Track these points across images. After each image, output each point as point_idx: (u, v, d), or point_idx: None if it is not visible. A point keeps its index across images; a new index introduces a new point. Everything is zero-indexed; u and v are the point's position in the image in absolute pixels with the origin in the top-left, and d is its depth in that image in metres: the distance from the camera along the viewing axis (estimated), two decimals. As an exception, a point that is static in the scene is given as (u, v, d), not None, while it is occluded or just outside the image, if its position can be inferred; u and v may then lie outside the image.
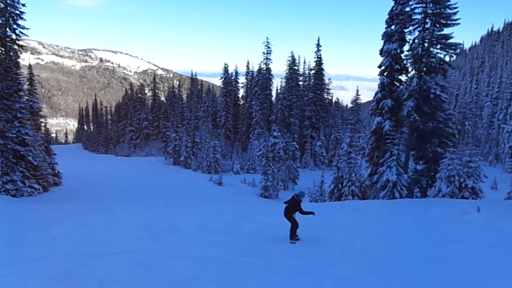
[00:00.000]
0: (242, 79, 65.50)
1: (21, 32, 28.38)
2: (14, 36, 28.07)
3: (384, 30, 23.61)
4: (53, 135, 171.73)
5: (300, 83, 60.33)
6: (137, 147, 72.62)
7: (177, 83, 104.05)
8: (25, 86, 33.22)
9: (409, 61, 22.51)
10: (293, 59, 57.62)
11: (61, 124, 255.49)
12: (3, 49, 27.25)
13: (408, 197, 20.56)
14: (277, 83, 62.03)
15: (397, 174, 20.12)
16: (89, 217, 16.75)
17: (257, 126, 53.94)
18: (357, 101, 54.69)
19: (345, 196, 24.16)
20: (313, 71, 57.61)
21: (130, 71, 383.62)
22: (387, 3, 23.95)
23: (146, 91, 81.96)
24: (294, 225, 10.39)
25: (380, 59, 23.96)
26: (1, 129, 26.02)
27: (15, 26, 27.92)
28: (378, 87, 23.85)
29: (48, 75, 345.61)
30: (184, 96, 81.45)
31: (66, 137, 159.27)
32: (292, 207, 10.27)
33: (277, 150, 36.88)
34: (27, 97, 32.01)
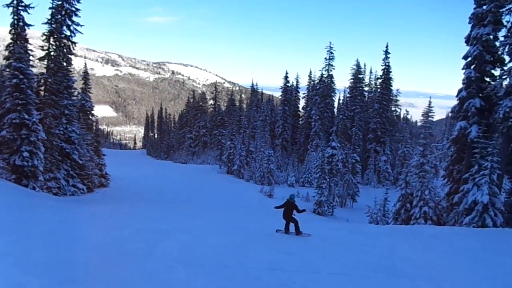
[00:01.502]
0: (303, 90, 62.59)
1: (75, 29, 28.08)
2: (68, 33, 27.85)
3: (472, 11, 18.77)
4: (126, 141, 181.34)
5: (365, 93, 55.90)
6: (195, 154, 72.27)
7: (239, 93, 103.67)
8: (79, 85, 33.27)
9: (506, 49, 17.59)
10: (358, 67, 53.47)
11: (133, 131, 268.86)
12: (56, 43, 27.05)
13: (508, 226, 15.87)
14: (339, 94, 58.20)
15: (490, 194, 15.61)
16: (105, 220, 14.92)
17: (315, 137, 50.41)
18: (429, 114, 48.95)
19: (415, 219, 19.84)
20: (380, 80, 52.93)
21: (199, 84, 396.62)
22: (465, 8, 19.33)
23: (207, 100, 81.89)
24: (297, 223, 12.19)
25: (465, 49, 19.39)
26: (48, 125, 25.42)
27: (69, 23, 27.67)
28: (463, 83, 19.34)
29: (125, 85, 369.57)
30: (244, 106, 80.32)
31: (135, 143, 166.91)
32: (290, 209, 12.08)
33: (335, 162, 33.18)
34: (79, 95, 31.87)
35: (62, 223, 13.64)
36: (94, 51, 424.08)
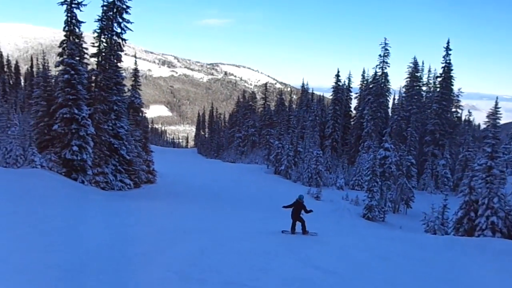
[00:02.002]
0: (356, 90, 60.05)
1: (126, 26, 28.46)
2: (118, 30, 28.29)
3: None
4: (179, 140, 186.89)
5: (423, 93, 52.45)
6: (243, 153, 72.09)
7: (290, 94, 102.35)
8: (129, 82, 33.90)
9: None
10: (415, 65, 50.25)
11: (187, 130, 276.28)
12: (107, 40, 27.58)
13: None
14: (394, 93, 55.09)
15: None
16: (132, 217, 14.54)
17: (367, 138, 48.02)
18: (497, 115, 44.72)
19: (481, 231, 17.57)
20: (439, 79, 49.33)
21: (251, 84, 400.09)
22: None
23: (257, 99, 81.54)
24: (304, 223, 12.49)
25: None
26: (97, 120, 25.91)
27: (120, 20, 28.08)
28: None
29: (180, 86, 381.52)
30: (294, 106, 79.00)
31: (187, 142, 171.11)
32: (298, 209, 12.31)
33: (387, 164, 31.03)
34: (128, 92, 32.41)
35: (74, 219, 13.23)
36: (151, 53, 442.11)
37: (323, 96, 75.72)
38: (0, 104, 44.90)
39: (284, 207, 12.97)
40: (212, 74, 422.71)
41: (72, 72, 23.55)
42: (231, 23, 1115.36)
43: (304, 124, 60.97)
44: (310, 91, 75.39)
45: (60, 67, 23.90)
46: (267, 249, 10.29)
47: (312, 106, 63.31)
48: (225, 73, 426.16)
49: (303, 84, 76.58)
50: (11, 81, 62.91)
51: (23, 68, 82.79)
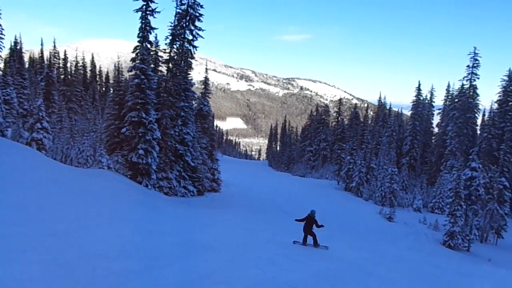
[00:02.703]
0: (438, 107, 55.15)
1: (197, 34, 28.76)
2: (190, 37, 28.65)
3: None
4: (253, 152, 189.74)
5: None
6: (314, 168, 69.94)
7: (366, 109, 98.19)
8: (198, 91, 34.23)
9: None
10: (510, 78, 44.57)
11: (260, 143, 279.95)
12: (178, 47, 28.04)
13: None
14: (483, 110, 49.50)
15: None
16: (165, 225, 13.90)
17: (451, 157, 43.37)
18: None
19: None
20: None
21: (326, 99, 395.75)
22: None
23: (330, 113, 79.04)
24: (315, 237, 12.85)
25: None
26: (164, 125, 26.20)
27: (192, 27, 28.43)
28: None
29: (256, 100, 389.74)
30: (369, 122, 75.31)
31: (259, 154, 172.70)
32: (310, 223, 12.81)
33: (474, 186, 27.28)
34: (198, 100, 32.66)
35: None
36: (231, 67, 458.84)
37: (401, 112, 71.17)
38: (89, 111, 48.62)
39: (297, 220, 13.46)
40: (288, 89, 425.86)
41: (142, 76, 24.10)
42: (309, 39, 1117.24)
43: (379, 140, 57.39)
44: (387, 106, 71.32)
45: (132, 72, 24.59)
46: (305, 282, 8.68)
47: (389, 121, 59.51)
48: (301, 88, 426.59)
49: (380, 98, 72.67)
50: (101, 90, 68.14)
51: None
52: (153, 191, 25.05)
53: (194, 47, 28.58)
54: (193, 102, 30.39)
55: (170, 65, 27.51)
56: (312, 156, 71.91)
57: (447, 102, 54.16)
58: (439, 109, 55.53)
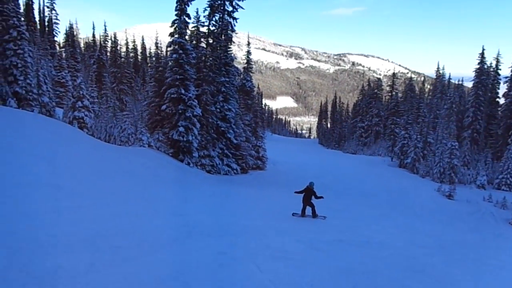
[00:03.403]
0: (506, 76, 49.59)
1: (237, 5, 27.51)
2: (230, 8, 27.46)
3: None
4: (304, 131, 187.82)
5: None
6: (366, 144, 66.99)
7: (422, 83, 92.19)
8: (241, 66, 33.11)
9: None
10: None
11: (311, 121, 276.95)
12: (218, 19, 26.99)
13: None
14: None
15: None
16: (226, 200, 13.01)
17: (521, 129, 39.08)
18: None
19: None
20: None
21: (380, 74, 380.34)
22: None
23: (383, 87, 74.87)
24: (314, 208, 13.11)
25: None
26: (204, 102, 25.54)
27: (232, -2, 27.21)
28: None
29: (306, 77, 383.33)
30: (426, 95, 70.37)
31: (310, 133, 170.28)
32: (309, 195, 12.97)
33: (551, 161, 24.04)
34: (241, 75, 31.59)
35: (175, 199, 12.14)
36: (280, 45, 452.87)
37: (462, 83, 65.48)
38: (139, 92, 49.48)
39: (296, 192, 13.49)
40: (339, 65, 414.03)
41: (181, 51, 23.39)
42: (360, 12, 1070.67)
43: (437, 113, 53.33)
44: (446, 76, 66.09)
45: (170, 47, 23.96)
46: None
47: (448, 92, 54.95)
48: (353, 64, 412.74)
49: (438, 68, 67.45)
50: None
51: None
52: (195, 169, 24.66)
53: (234, 19, 27.38)
54: (236, 78, 29.32)
55: (210, 39, 26.55)
56: (363, 132, 68.87)
57: (516, 69, 48.64)
58: (506, 77, 50.08)
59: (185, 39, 23.75)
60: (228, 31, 27.11)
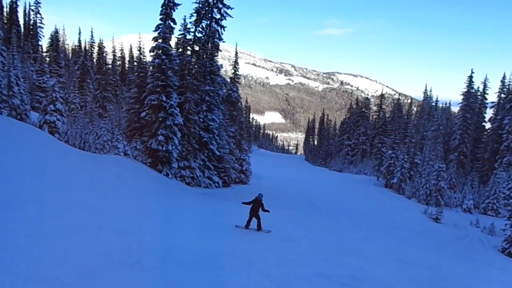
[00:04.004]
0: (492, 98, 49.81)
1: (226, 12, 26.68)
2: (218, 16, 26.64)
3: None
4: (290, 147, 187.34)
5: None
6: (352, 163, 66.42)
7: (410, 105, 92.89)
8: (228, 74, 32.21)
9: None
10: None
11: (298, 138, 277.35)
12: (204, 26, 26.09)
13: None
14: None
15: None
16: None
17: (507, 153, 38.85)
18: None
19: None
20: None
21: (367, 94, 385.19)
22: None
23: (371, 106, 74.87)
24: (259, 220, 12.68)
25: None
26: (187, 110, 24.39)
27: (220, 5, 26.41)
28: None
29: (295, 94, 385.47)
30: (413, 117, 70.54)
31: (297, 149, 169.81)
32: (257, 207, 12.57)
33: (540, 186, 23.49)
34: (227, 86, 30.61)
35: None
36: (270, 61, 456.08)
37: (448, 106, 65.86)
38: (124, 100, 48.02)
39: (244, 203, 13.17)
40: (328, 83, 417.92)
41: (164, 57, 22.35)
42: (351, 33, 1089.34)
43: (424, 134, 53.20)
44: (433, 99, 66.41)
45: (153, 52, 22.90)
46: None
47: (435, 114, 54.93)
48: (341, 83, 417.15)
49: (425, 90, 68.00)
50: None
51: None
52: (173, 180, 23.38)
53: (222, 27, 26.54)
54: (222, 87, 28.29)
55: (196, 46, 25.60)
56: (350, 150, 68.37)
57: (502, 95, 48.90)
58: (493, 102, 50.27)
59: (169, 45, 22.76)
60: (215, 39, 26.21)
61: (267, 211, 12.83)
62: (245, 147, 32.13)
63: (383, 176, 45.46)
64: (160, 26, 22.95)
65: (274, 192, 29.75)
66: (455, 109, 57.11)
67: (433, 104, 65.93)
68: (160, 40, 22.61)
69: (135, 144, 22.39)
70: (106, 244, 7.15)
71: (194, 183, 24.82)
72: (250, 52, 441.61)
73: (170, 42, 23.18)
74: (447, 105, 64.49)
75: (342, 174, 58.64)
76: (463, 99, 48.28)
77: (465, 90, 48.36)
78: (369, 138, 66.31)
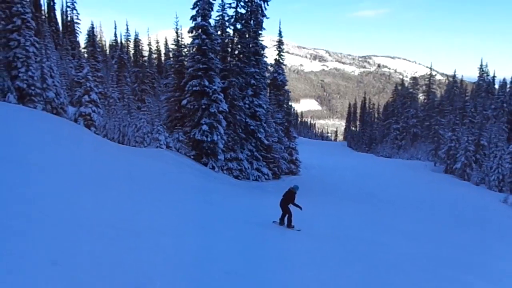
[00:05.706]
0: None
1: (269, -13, 24.02)
2: (260, -8, 23.95)
3: None
4: (328, 134, 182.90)
5: None
6: (401, 148, 62.16)
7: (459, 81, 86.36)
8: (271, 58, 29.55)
9: None
10: None
11: (336, 124, 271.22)
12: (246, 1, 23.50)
13: None
14: None
15: None
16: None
17: None
18: None
19: None
20: None
21: (406, 77, 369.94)
22: None
23: (419, 86, 69.93)
24: (290, 215, 11.05)
25: None
26: (231, 96, 22.06)
27: (262, -20, 23.71)
28: None
29: (331, 80, 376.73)
30: (466, 97, 65.03)
31: (336, 136, 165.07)
32: (288, 199, 10.97)
33: None
34: (271, 68, 28.05)
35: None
36: (304, 48, 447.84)
37: (504, 82, 59.70)
38: (162, 92, 46.68)
39: (284, 195, 11.43)
40: (364, 67, 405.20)
41: (204, 36, 20.03)
42: (386, 13, 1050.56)
43: (484, 113, 48.29)
44: (490, 74, 60.53)
45: (192, 33, 20.63)
46: None
47: (494, 91, 49.79)
48: (378, 66, 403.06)
49: (481, 65, 61.96)
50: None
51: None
52: (220, 174, 21.21)
53: (266, 1, 23.82)
54: (266, 70, 25.74)
55: (237, 24, 23.08)
56: (398, 134, 64.03)
57: None
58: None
59: (209, 23, 20.37)
60: (258, 16, 23.56)
61: (299, 207, 10.94)
62: (294, 134, 29.49)
63: (442, 161, 41.45)
64: (199, 3, 20.59)
65: (328, 183, 27.15)
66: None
67: (490, 79, 60.23)
68: (199, 19, 20.30)
69: (177, 135, 20.35)
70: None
71: (243, 176, 22.57)
72: (283, 39, 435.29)
73: (210, 21, 20.77)
74: (505, 79, 58.67)
75: (392, 160, 54.73)
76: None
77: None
78: (420, 120, 61.71)
